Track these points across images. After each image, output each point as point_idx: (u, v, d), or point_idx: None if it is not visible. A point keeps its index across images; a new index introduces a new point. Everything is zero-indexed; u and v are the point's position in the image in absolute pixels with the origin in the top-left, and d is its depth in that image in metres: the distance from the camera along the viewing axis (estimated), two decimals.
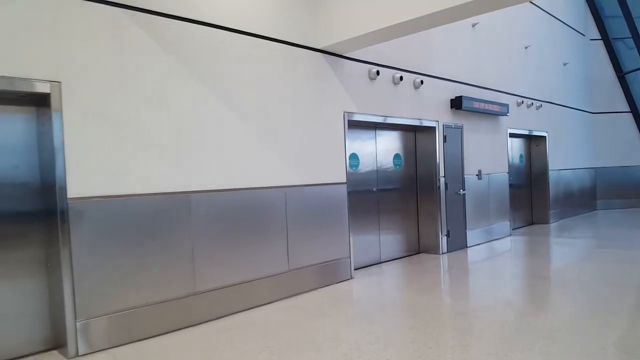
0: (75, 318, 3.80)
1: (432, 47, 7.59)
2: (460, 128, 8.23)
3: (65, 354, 3.81)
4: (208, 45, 4.70)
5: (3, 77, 3.48)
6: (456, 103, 8.02)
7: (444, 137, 7.85)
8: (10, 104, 3.76)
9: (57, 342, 3.93)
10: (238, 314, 4.83)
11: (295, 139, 5.52)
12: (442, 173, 7.77)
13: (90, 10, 3.91)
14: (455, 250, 7.97)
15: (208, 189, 4.68)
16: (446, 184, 7.84)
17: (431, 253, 7.80)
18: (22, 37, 3.58)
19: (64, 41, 3.78)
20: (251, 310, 4.95)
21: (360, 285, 5.90)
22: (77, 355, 3.80)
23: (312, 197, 5.69)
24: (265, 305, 5.08)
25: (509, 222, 9.58)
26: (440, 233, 7.72)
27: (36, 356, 3.84)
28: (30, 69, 3.61)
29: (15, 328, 3.79)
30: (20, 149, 3.82)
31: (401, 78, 6.89)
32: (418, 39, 7.15)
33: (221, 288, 4.76)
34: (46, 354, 3.88)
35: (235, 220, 4.91)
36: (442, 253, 7.73)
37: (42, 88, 3.66)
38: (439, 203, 7.70)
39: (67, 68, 3.79)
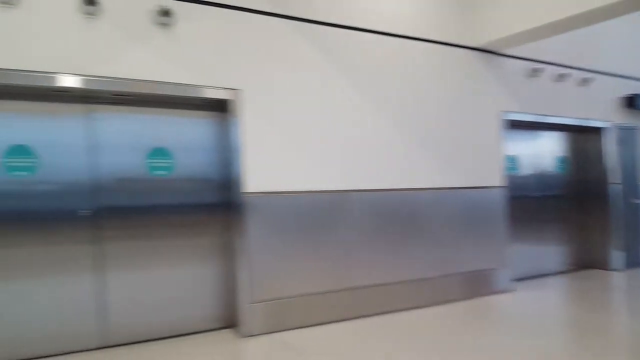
0: (248, 301, 4.16)
1: (599, 41, 6.87)
2: (636, 130, 7.27)
3: (238, 333, 4.18)
4: (363, 51, 4.87)
5: (193, 85, 4.03)
6: (630, 102, 7.12)
7: (618, 139, 7.00)
8: (198, 109, 4.32)
9: (230, 322, 4.35)
10: (382, 315, 4.83)
11: (448, 139, 5.40)
12: (614, 179, 6.92)
13: (265, 24, 4.33)
14: (631, 268, 7.00)
15: (362, 188, 4.81)
16: (620, 192, 6.96)
17: (600, 269, 6.96)
18: (208, 50, 4.10)
19: (244, 52, 4.23)
20: (396, 312, 4.91)
21: (518, 298, 5.49)
22: (248, 335, 4.15)
23: (465, 200, 5.49)
24: (412, 310, 5.00)
25: None
26: (612, 247, 6.86)
27: (213, 332, 4.28)
28: (215, 78, 4.11)
29: (196, 306, 4.29)
30: (206, 148, 4.36)
31: (564, 75, 6.36)
32: (583, 32, 6.53)
33: (370, 287, 4.81)
34: (221, 331, 4.31)
35: (386, 220, 4.95)
36: (615, 270, 6.85)
37: (225, 95, 4.14)
38: (611, 213, 6.85)
39: (246, 77, 4.23)
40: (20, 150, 3.66)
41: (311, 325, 4.45)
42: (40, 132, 3.72)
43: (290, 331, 4.31)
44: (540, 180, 6.79)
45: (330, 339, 4.10)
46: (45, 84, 3.50)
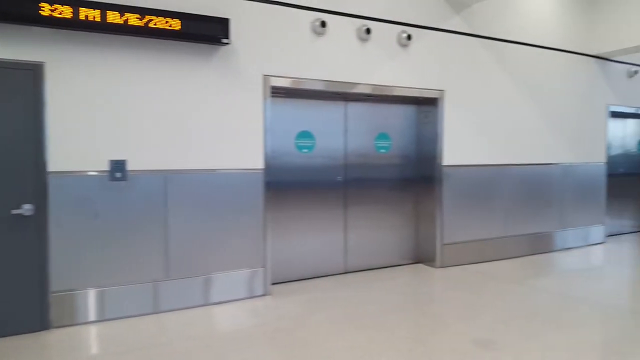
0: (441, 242, 5.91)
1: None
2: None
3: (431, 265, 5.94)
4: (525, 62, 6.45)
5: (417, 88, 5.60)
6: None
7: None
8: (413, 104, 5.97)
9: (422, 259, 6.11)
10: (529, 255, 6.63)
11: (569, 125, 7.04)
12: None
13: (461, 41, 5.87)
14: None
15: (514, 163, 6.47)
16: None
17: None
18: (427, 61, 5.65)
19: (447, 62, 5.80)
20: (537, 254, 6.69)
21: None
22: (440, 266, 5.91)
23: (577, 173, 7.15)
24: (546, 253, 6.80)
25: None
26: None
27: (410, 266, 6.06)
28: (429, 81, 5.66)
29: (398, 250, 6.07)
30: (413, 132, 6.10)
31: None
32: None
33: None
34: (415, 265, 6.10)
35: (518, 188, 6.55)
36: None
37: (434, 94, 5.71)
38: None
39: (447, 81, 5.79)
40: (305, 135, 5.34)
41: (487, 261, 6.25)
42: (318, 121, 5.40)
43: (470, 265, 6.08)
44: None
45: (501, 269, 5.90)
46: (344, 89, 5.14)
